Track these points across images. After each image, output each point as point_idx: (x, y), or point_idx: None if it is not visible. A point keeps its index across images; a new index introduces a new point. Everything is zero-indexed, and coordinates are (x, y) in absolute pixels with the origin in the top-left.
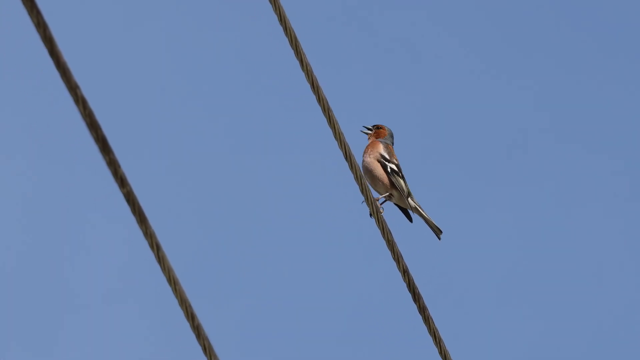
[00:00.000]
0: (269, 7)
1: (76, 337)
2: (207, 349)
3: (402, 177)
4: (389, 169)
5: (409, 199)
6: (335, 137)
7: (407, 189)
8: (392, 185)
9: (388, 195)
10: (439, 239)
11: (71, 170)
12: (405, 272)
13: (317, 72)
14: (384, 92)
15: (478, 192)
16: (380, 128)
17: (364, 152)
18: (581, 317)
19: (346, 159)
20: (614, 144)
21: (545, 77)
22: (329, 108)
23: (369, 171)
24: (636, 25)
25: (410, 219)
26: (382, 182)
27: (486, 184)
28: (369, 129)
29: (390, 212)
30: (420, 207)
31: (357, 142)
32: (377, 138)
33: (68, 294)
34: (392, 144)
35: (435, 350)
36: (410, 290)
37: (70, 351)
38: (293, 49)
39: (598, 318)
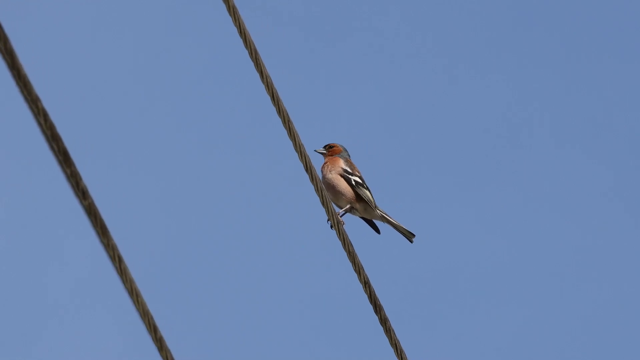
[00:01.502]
0: (229, 20)
1: (55, 343)
2: None
3: (367, 188)
4: (353, 182)
5: (376, 209)
6: (296, 149)
7: (373, 199)
8: (358, 197)
9: (349, 208)
10: (411, 242)
11: (35, 182)
12: (366, 284)
13: (277, 84)
14: (361, 99)
15: (447, 194)
16: (333, 146)
17: (323, 169)
18: (557, 327)
19: (307, 170)
20: (598, 143)
21: (530, 75)
22: (289, 120)
23: (331, 187)
24: (621, 22)
25: (378, 231)
26: (346, 197)
27: (470, 188)
28: (322, 151)
29: (354, 224)
30: (387, 215)
31: (317, 156)
32: (332, 156)
33: (47, 300)
34: (349, 157)
35: None
36: (371, 302)
37: None
38: (253, 61)
39: (580, 321)
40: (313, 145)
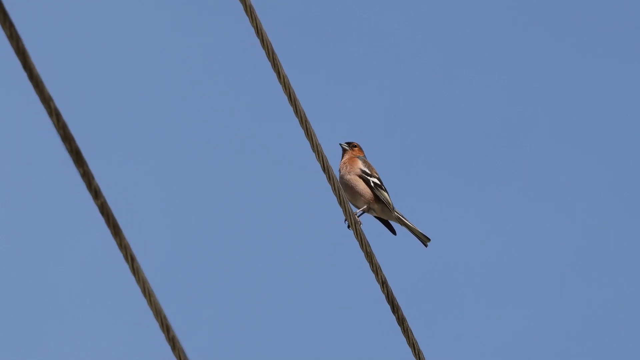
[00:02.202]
0: (247, 20)
1: (56, 343)
2: None
3: (385, 190)
4: (371, 183)
5: (394, 210)
6: (313, 149)
7: (391, 201)
8: (376, 199)
9: (367, 208)
10: (426, 246)
11: (48, 180)
12: (384, 284)
13: (294, 84)
14: (362, 99)
15: (461, 196)
16: (356, 146)
17: (341, 169)
18: (567, 323)
19: (324, 170)
20: (598, 142)
21: (529, 74)
22: (306, 120)
23: (350, 187)
24: (620, 22)
25: (394, 232)
26: (364, 197)
27: (471, 188)
28: (346, 145)
29: (371, 224)
30: (403, 217)
31: (334, 154)
32: (353, 155)
33: (49, 301)
34: (366, 157)
35: None
36: (389, 302)
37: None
38: (270, 61)
39: (584, 321)
40: (330, 144)
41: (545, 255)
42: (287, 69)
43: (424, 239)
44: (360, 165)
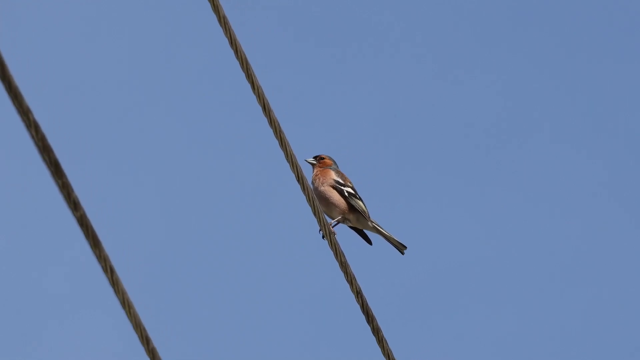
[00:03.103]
0: (220, 31)
1: (44, 349)
2: None
3: (360, 199)
4: (345, 193)
5: (369, 219)
6: (287, 160)
7: (367, 209)
8: (351, 208)
9: (341, 218)
10: (402, 254)
11: (26, 193)
12: (358, 294)
13: (270, 91)
14: (340, 103)
15: (439, 194)
16: (323, 158)
17: (315, 180)
18: (554, 327)
19: (298, 181)
20: (592, 141)
21: (524, 74)
22: (280, 130)
23: (324, 199)
24: (619, 22)
25: (369, 242)
26: (339, 208)
27: (449, 186)
28: (312, 161)
29: (346, 234)
30: (379, 226)
31: (305, 168)
32: (322, 167)
33: (38, 303)
34: (338, 167)
35: None
36: (364, 312)
37: None
38: (244, 71)
39: (576, 321)
40: (305, 155)
41: (538, 256)
42: (263, 76)
43: (401, 247)
44: (333, 175)
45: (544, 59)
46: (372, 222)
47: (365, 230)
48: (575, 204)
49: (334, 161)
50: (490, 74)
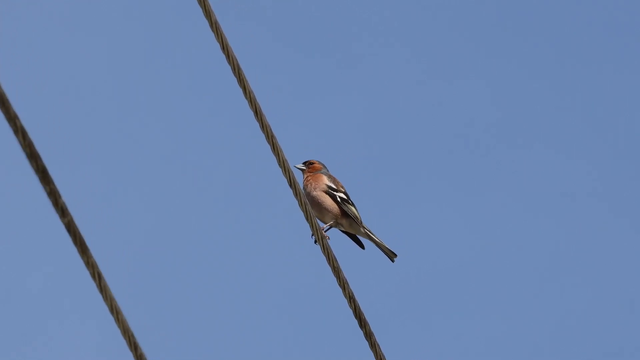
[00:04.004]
0: (212, 36)
1: (39, 350)
2: None
3: (352, 204)
4: (338, 199)
5: (362, 225)
6: (280, 165)
7: (359, 215)
8: (343, 214)
9: (334, 223)
10: (393, 261)
11: (13, 199)
12: (351, 299)
13: (261, 98)
14: (329, 108)
15: (429, 198)
16: (313, 163)
17: (307, 186)
18: (545, 331)
19: (290, 186)
20: (579, 144)
21: (506, 76)
22: (272, 135)
23: (317, 204)
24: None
25: (362, 246)
26: (332, 213)
27: (439, 189)
28: (301, 167)
29: (339, 239)
30: (371, 232)
31: (297, 173)
32: (313, 172)
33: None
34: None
35: None
36: (356, 317)
37: None
38: (236, 76)
39: (569, 323)
40: (296, 160)
41: (521, 262)
42: (256, 79)
43: (391, 255)
44: (325, 180)
45: (534, 63)
46: (364, 227)
47: (358, 236)
48: (568, 207)
49: (324, 165)
50: (480, 78)
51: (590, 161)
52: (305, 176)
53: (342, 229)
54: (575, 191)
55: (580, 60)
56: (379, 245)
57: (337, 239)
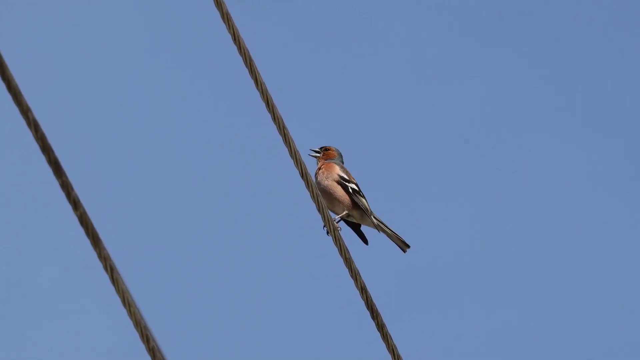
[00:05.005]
0: (224, 27)
1: (39, 346)
2: None
3: (363, 196)
4: (350, 190)
5: (372, 217)
6: (291, 156)
7: (369, 207)
8: (354, 205)
9: (346, 214)
10: (405, 252)
11: (26, 192)
12: (363, 290)
13: (274, 87)
14: (343, 101)
15: (432, 192)
16: (329, 149)
17: (318, 175)
18: (551, 323)
19: (302, 177)
20: (580, 138)
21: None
22: (284, 126)
23: (328, 194)
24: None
25: (366, 241)
26: (343, 204)
27: (443, 186)
28: (316, 152)
29: (348, 230)
30: (383, 224)
31: (312, 160)
32: (326, 160)
33: (34, 301)
34: (343, 163)
35: None
36: (368, 308)
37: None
38: (247, 67)
39: (574, 320)
40: (307, 149)
41: (529, 254)
42: (267, 72)
43: (403, 246)
44: (338, 171)
45: (534, 57)
46: (376, 218)
47: (363, 229)
48: (572, 202)
49: (339, 154)
50: (486, 72)
51: (597, 153)
52: (319, 164)
53: (354, 220)
54: (585, 185)
55: (578, 50)
56: (391, 236)
57: (347, 230)
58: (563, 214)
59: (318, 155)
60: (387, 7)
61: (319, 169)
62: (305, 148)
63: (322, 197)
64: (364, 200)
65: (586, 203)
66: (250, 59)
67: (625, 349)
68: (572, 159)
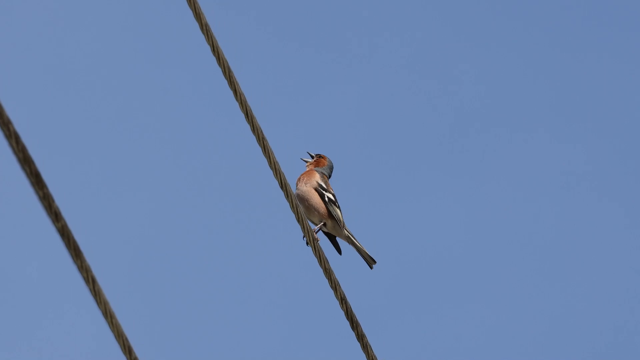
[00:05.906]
0: (202, 38)
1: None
2: None
3: (339, 207)
4: (326, 198)
5: (344, 228)
6: (271, 166)
7: (343, 218)
8: (329, 214)
9: (323, 224)
10: (371, 268)
11: (6, 203)
12: (343, 300)
13: (262, 91)
14: (333, 103)
15: (432, 195)
16: (322, 158)
17: (299, 180)
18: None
19: (282, 187)
20: (572, 135)
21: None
22: (263, 137)
23: (304, 200)
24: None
25: (339, 251)
26: (318, 211)
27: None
28: (311, 157)
29: (325, 240)
30: (353, 237)
31: (292, 170)
32: (315, 167)
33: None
34: (329, 176)
35: None
36: (348, 318)
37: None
38: (226, 78)
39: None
40: (291, 158)
41: (527, 254)
42: (255, 74)
43: (370, 261)
44: (317, 178)
45: (532, 56)
46: (347, 231)
47: (338, 240)
48: (568, 201)
49: (330, 166)
50: (475, 68)
51: (589, 150)
52: (306, 169)
53: (326, 230)
54: (576, 184)
55: (580, 50)
56: (359, 250)
57: (324, 240)
58: (558, 213)
59: (310, 161)
60: (383, 6)
61: (301, 174)
62: (306, 148)
63: (299, 202)
64: (338, 211)
65: (582, 202)
66: (229, 70)
67: (621, 348)
68: (568, 158)
